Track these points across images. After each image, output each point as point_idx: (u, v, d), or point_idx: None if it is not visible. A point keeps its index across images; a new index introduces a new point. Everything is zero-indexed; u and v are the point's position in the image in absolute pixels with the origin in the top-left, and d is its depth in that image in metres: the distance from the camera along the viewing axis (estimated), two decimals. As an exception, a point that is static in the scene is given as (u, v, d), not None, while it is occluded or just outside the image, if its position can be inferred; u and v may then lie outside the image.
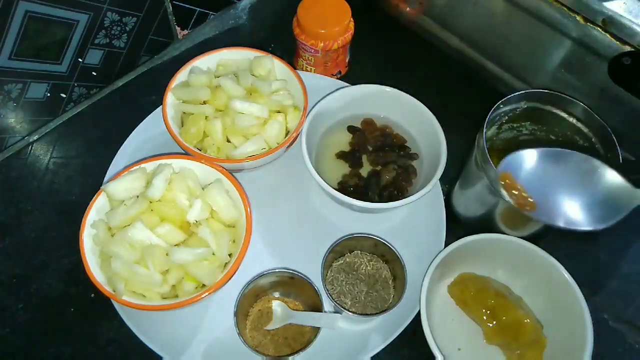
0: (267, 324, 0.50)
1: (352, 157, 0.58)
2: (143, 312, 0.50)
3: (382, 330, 0.51)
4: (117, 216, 0.48)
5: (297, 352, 0.48)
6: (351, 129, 0.61)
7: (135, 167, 0.52)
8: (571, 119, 0.51)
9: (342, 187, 0.56)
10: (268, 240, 0.57)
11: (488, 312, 0.50)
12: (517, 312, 0.49)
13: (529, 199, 0.33)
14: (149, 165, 0.52)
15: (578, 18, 0.55)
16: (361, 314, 0.50)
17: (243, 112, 0.54)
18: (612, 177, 0.34)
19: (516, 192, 0.32)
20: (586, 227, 0.34)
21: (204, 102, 0.57)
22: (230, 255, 0.49)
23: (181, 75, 0.58)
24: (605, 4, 0.52)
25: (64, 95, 0.64)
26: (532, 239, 0.50)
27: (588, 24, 0.55)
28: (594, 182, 0.34)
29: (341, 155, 0.59)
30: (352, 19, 0.63)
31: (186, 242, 0.49)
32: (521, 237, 0.50)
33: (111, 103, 0.68)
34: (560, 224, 0.33)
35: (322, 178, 0.52)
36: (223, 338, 0.51)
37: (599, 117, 0.49)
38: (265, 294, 0.53)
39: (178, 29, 0.71)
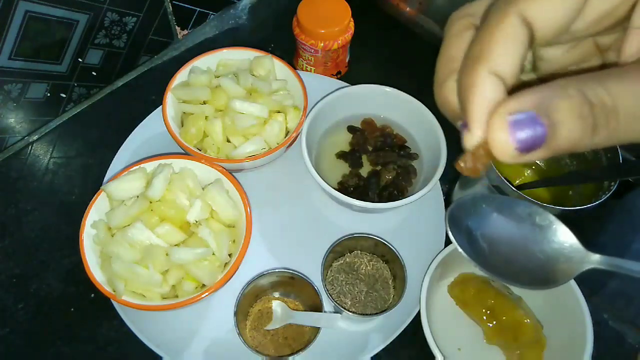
0: (267, 324, 0.50)
1: (352, 157, 0.58)
2: (143, 312, 0.50)
3: (382, 330, 0.51)
4: (117, 216, 0.48)
5: (297, 352, 0.48)
6: (351, 129, 0.61)
7: (135, 167, 0.52)
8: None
9: (342, 187, 0.56)
10: (268, 240, 0.57)
11: (488, 312, 0.50)
12: (517, 312, 0.49)
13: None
14: (149, 165, 0.52)
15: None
16: (361, 314, 0.50)
17: (243, 112, 0.54)
18: (565, 236, 0.31)
19: None
20: (528, 286, 0.31)
21: (204, 102, 0.57)
22: (230, 255, 0.49)
23: (181, 75, 0.58)
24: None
25: (64, 95, 0.64)
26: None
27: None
28: (546, 238, 0.31)
29: (341, 155, 0.59)
30: (352, 19, 0.63)
31: (186, 242, 0.49)
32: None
33: (111, 103, 0.68)
34: (503, 278, 0.30)
35: (322, 178, 0.52)
36: (223, 338, 0.51)
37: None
38: (265, 294, 0.53)
39: (178, 29, 0.71)
